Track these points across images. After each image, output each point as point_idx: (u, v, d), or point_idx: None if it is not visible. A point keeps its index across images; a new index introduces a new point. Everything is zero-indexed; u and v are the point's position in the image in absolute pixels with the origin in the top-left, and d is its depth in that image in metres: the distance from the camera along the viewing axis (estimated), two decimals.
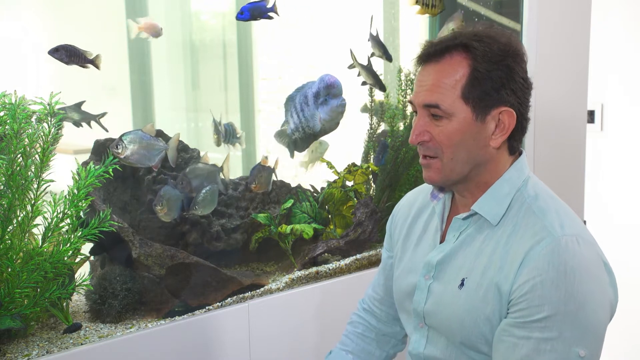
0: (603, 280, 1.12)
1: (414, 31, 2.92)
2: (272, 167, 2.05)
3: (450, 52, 1.17)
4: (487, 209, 1.20)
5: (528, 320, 1.08)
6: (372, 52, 2.25)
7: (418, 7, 2.26)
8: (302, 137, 2.09)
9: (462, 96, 1.15)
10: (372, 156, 2.37)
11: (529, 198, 1.19)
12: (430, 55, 1.19)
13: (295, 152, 2.14)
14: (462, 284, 1.19)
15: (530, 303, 1.08)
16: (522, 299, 1.09)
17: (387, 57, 2.25)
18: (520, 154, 1.25)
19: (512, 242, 1.15)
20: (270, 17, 1.84)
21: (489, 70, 1.14)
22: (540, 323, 1.07)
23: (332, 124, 2.09)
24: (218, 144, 1.99)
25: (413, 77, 2.41)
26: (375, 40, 2.24)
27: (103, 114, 1.76)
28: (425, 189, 1.41)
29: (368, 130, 2.40)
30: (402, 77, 2.40)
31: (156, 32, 1.89)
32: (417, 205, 1.40)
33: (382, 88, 2.25)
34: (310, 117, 2.05)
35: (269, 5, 1.81)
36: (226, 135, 2.00)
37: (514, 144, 1.22)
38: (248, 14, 1.79)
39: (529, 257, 1.10)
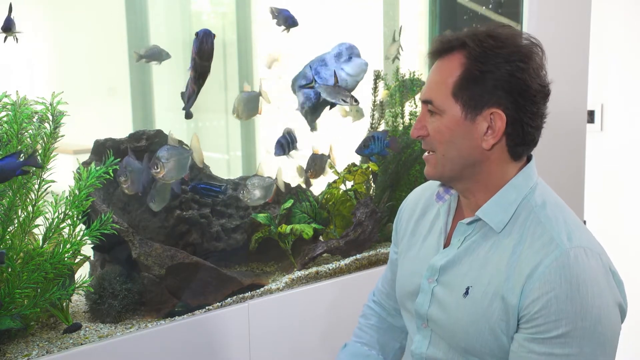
0: (614, 291, 1.12)
1: (414, 31, 2.92)
2: (326, 155, 2.14)
3: (452, 50, 1.19)
4: (491, 216, 1.19)
5: (547, 336, 1.08)
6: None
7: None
8: (322, 101, 2.13)
9: (452, 94, 1.17)
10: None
11: (536, 207, 1.18)
12: (435, 52, 1.22)
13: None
14: (466, 293, 1.18)
15: (547, 319, 1.08)
16: (538, 315, 1.09)
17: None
18: (529, 160, 1.23)
19: (519, 253, 1.14)
20: (26, 172, 1.46)
21: (483, 71, 1.14)
22: (560, 339, 1.07)
23: (354, 80, 2.15)
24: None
25: (411, 77, 2.42)
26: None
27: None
28: (432, 185, 1.40)
29: (368, 129, 2.40)
30: (399, 77, 2.40)
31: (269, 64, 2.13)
32: (423, 201, 1.40)
33: None
34: (331, 76, 2.09)
35: (22, 159, 1.44)
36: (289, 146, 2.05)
37: (516, 150, 1.19)
38: None
39: (538, 271, 1.10)
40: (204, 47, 1.60)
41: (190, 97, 1.69)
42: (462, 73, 1.16)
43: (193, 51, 1.61)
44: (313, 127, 2.19)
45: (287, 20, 1.98)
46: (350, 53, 2.16)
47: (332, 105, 2.14)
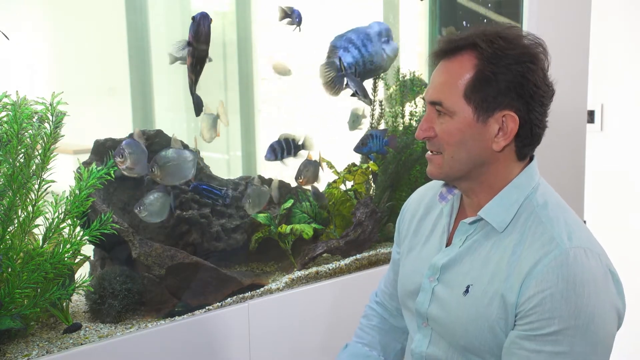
0: (611, 292, 1.11)
1: (414, 31, 2.92)
2: (317, 161, 2.09)
3: (461, 51, 1.17)
4: (493, 215, 1.19)
5: (539, 333, 1.08)
6: None
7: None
8: (360, 72, 2.10)
9: (464, 96, 1.15)
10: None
11: (538, 206, 1.18)
12: (444, 52, 1.19)
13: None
14: (467, 291, 1.19)
15: (540, 316, 1.08)
16: (532, 312, 1.09)
17: None
18: (531, 159, 1.23)
19: (520, 252, 1.14)
20: None
21: (495, 73, 1.13)
22: (551, 337, 1.07)
23: (390, 62, 2.16)
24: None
25: (412, 77, 2.42)
26: None
27: None
28: (435, 185, 1.40)
29: (368, 127, 2.39)
30: (400, 77, 2.40)
31: (284, 72, 2.08)
32: (426, 202, 1.39)
33: None
34: (375, 53, 2.07)
35: None
36: (283, 152, 2.02)
37: (523, 150, 1.20)
38: None
39: (537, 270, 1.10)
40: (201, 29, 1.57)
41: (190, 89, 1.67)
42: (474, 74, 1.15)
43: (190, 36, 1.57)
44: (337, 92, 2.09)
45: (298, 18, 1.98)
46: (387, 35, 2.13)
47: (354, 93, 2.10)
